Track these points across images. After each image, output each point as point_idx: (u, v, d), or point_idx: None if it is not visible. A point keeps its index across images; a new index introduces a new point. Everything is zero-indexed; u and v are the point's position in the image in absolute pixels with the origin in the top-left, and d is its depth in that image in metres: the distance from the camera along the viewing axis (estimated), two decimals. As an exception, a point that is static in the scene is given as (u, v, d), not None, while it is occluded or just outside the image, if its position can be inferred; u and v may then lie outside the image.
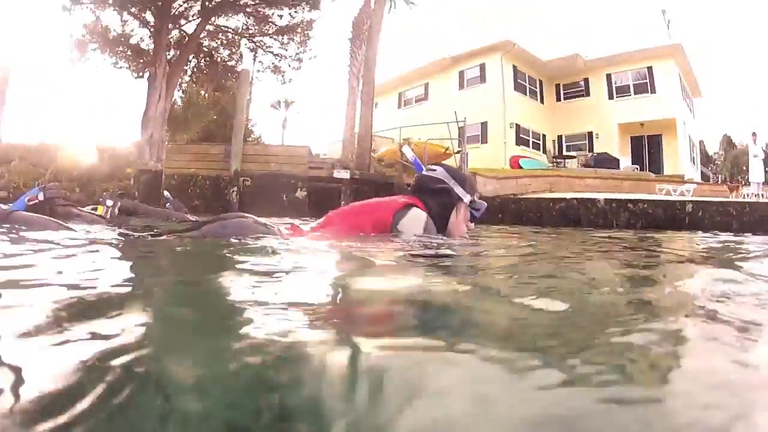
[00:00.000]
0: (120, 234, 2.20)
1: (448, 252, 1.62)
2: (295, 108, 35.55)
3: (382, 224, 1.84)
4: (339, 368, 0.45)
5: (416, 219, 1.87)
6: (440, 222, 1.95)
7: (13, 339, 0.51)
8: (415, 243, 1.71)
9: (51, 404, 0.37)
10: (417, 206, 1.91)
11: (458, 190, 2.00)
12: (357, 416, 0.37)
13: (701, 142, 24.54)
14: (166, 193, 8.42)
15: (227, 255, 1.43)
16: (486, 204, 2.14)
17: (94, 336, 0.53)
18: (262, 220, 1.85)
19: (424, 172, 2.10)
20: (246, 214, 1.91)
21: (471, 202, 2.03)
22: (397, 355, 0.49)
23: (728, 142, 32.21)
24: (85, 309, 0.68)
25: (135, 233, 2.09)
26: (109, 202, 4.58)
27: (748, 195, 11.70)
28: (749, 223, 6.58)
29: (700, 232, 5.30)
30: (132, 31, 16.27)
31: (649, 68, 17.67)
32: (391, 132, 13.71)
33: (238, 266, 1.18)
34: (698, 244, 3.12)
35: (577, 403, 0.39)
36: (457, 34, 17.89)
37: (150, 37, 15.69)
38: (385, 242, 1.72)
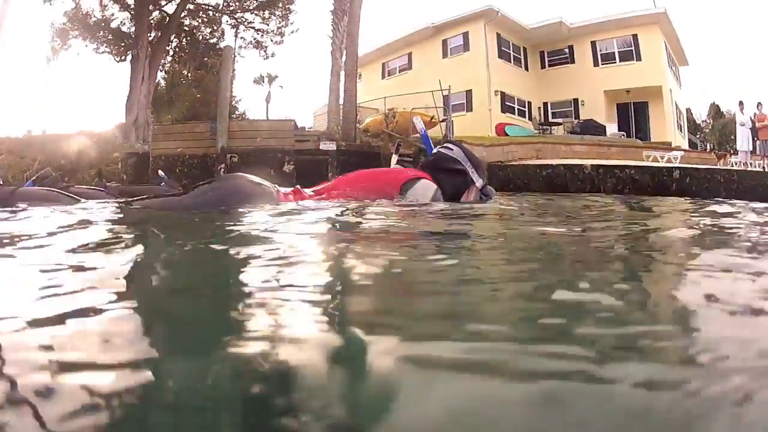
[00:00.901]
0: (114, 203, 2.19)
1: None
2: (279, 82, 35.14)
3: (390, 194, 1.83)
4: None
5: (426, 189, 1.86)
6: (450, 201, 1.97)
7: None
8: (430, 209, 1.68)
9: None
10: (427, 179, 1.90)
11: (473, 173, 2.01)
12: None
13: (688, 110, 24.61)
14: (160, 172, 8.39)
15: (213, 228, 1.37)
16: (495, 191, 2.17)
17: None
18: (261, 181, 1.81)
19: (442, 151, 2.09)
20: (244, 175, 1.88)
21: (483, 186, 2.06)
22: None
23: (716, 111, 32.30)
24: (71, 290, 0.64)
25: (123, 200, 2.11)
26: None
27: (735, 163, 11.79)
28: (736, 192, 6.66)
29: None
30: (112, 15, 16.11)
31: (635, 36, 17.63)
32: (375, 102, 13.69)
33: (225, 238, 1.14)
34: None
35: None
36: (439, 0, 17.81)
37: (131, 19, 15.55)
38: (394, 207, 1.68)
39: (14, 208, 1.75)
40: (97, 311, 0.52)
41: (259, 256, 0.86)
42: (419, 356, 0.39)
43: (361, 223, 1.36)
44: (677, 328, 0.50)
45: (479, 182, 2.03)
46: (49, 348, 0.43)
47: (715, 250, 1.07)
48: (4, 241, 1.06)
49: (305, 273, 0.74)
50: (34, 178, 3.96)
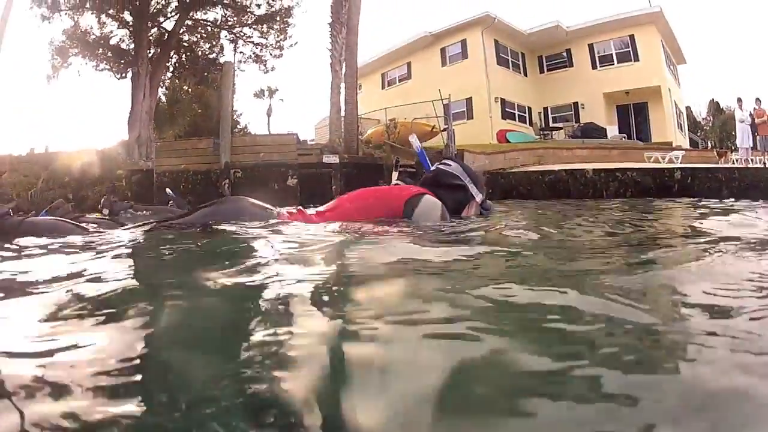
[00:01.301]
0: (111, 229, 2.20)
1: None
2: (279, 96, 35.24)
3: (394, 210, 1.83)
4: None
5: (433, 206, 1.86)
6: (451, 217, 1.97)
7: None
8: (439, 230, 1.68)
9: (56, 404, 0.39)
10: (430, 195, 1.90)
11: (472, 188, 2.04)
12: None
13: (688, 108, 24.62)
14: (168, 190, 8.38)
15: (218, 247, 1.38)
16: (492, 204, 2.20)
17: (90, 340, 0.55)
18: (261, 204, 1.81)
19: (441, 167, 2.10)
20: (242, 197, 1.89)
21: (482, 201, 2.08)
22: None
23: (716, 108, 32.30)
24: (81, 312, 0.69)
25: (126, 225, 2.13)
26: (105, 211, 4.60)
27: (736, 160, 11.77)
28: (738, 189, 6.65)
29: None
30: (111, 32, 16.20)
31: (631, 36, 17.67)
32: (376, 113, 13.76)
33: (227, 259, 1.15)
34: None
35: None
36: (436, 7, 17.94)
37: (130, 36, 15.66)
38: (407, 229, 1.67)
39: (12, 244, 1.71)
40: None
41: (264, 283, 0.85)
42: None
43: (367, 248, 1.32)
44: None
45: (479, 197, 2.06)
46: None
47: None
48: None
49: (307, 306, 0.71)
50: (47, 209, 4.01)
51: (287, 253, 1.16)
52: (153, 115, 13.91)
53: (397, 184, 2.47)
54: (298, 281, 0.85)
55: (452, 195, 1.99)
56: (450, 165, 2.08)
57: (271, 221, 1.71)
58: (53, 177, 12.30)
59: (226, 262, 1.13)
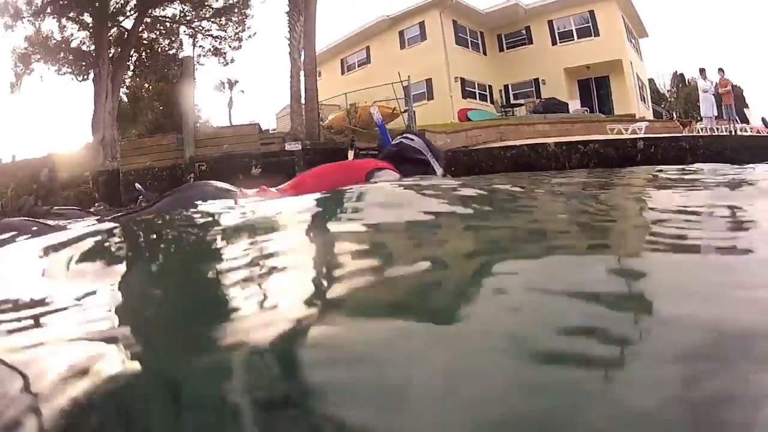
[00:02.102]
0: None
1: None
2: (240, 87, 34.82)
3: (355, 181, 1.83)
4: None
5: (393, 179, 1.91)
6: None
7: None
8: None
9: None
10: (391, 169, 1.96)
11: (434, 163, 2.10)
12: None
13: (651, 81, 25.05)
14: (138, 186, 8.41)
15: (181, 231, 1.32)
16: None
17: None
18: (225, 186, 1.80)
19: (403, 141, 2.14)
20: (208, 182, 1.89)
21: (443, 176, 2.16)
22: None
23: (680, 80, 32.89)
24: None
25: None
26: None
27: (701, 130, 11.97)
28: (703, 158, 6.86)
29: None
30: (72, 35, 16.05)
31: (591, 12, 17.82)
32: (337, 99, 13.84)
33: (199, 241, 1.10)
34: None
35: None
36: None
37: (90, 38, 15.53)
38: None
39: None
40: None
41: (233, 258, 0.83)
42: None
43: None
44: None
45: (439, 172, 2.13)
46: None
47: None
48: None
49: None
50: (17, 209, 4.17)
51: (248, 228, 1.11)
52: (116, 115, 13.85)
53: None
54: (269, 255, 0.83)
55: (414, 169, 2.03)
56: (413, 140, 2.13)
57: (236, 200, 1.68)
58: (21, 185, 12.29)
59: (197, 246, 1.09)
